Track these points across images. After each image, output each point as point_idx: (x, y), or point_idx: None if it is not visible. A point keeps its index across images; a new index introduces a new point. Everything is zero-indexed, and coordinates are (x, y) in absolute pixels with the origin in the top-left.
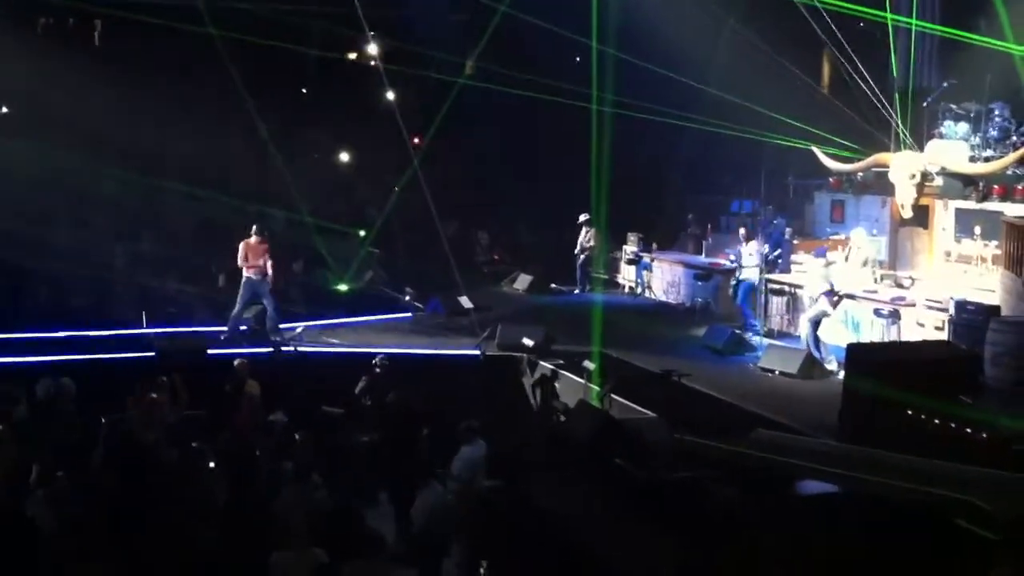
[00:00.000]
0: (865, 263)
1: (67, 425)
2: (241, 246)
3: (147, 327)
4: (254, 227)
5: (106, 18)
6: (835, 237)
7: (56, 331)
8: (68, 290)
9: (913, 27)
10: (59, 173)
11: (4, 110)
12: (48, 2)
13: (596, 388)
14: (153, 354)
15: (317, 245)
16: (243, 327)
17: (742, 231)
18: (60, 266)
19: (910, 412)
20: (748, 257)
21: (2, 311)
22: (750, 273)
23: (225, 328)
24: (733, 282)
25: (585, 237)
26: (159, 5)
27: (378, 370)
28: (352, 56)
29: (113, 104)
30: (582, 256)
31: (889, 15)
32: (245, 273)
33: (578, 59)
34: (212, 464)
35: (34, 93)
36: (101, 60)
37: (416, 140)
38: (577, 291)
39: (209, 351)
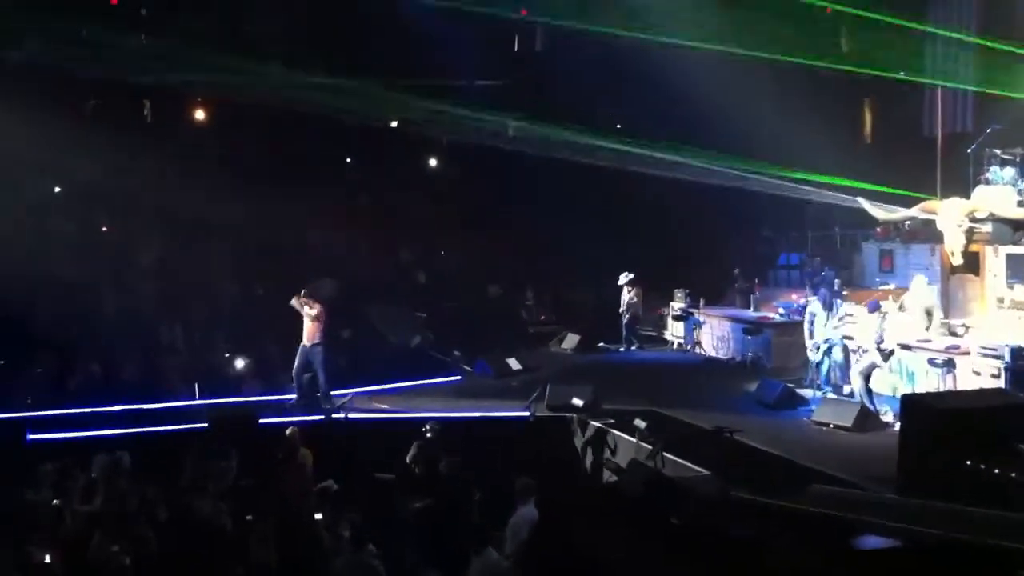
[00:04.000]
0: (930, 313)
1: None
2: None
3: (199, 398)
4: (302, 292)
5: (154, 95)
6: (885, 287)
7: (107, 405)
8: (119, 363)
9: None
10: (108, 248)
11: (56, 190)
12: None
13: (647, 447)
14: (206, 425)
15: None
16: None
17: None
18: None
19: (969, 462)
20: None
21: (55, 386)
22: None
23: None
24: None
25: (629, 295)
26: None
27: (429, 435)
28: (394, 124)
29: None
30: (627, 315)
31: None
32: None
33: (619, 126)
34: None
35: (86, 171)
36: (151, 135)
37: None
38: (622, 349)
39: (261, 420)
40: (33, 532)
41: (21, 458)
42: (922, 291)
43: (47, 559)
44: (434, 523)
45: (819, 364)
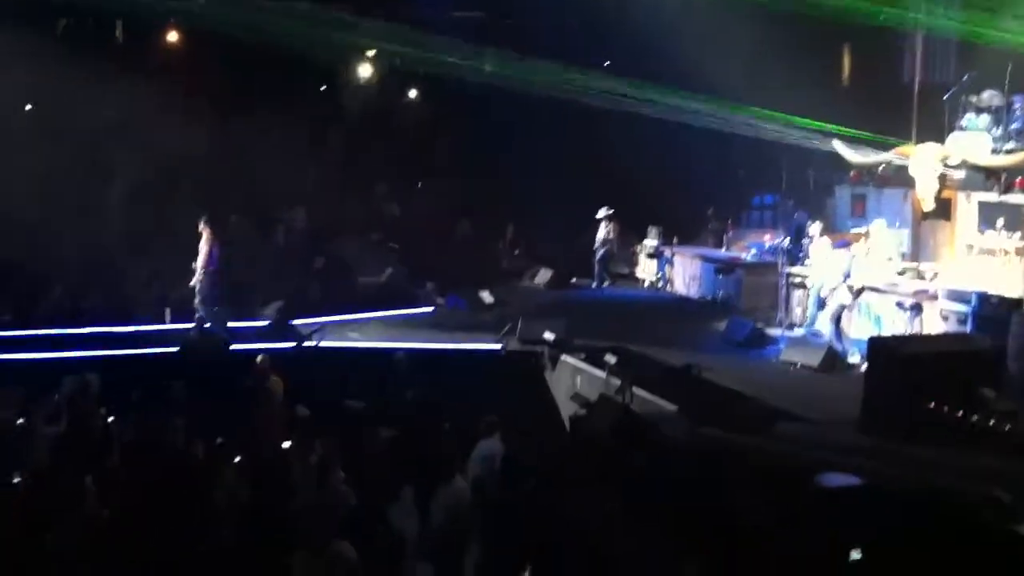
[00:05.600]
0: (891, 259)
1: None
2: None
3: (169, 323)
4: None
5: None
6: (856, 231)
7: (75, 328)
8: (84, 291)
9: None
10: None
11: (28, 107)
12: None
13: (617, 381)
14: (177, 349)
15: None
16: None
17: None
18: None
19: (932, 405)
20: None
21: (19, 309)
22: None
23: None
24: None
25: (605, 232)
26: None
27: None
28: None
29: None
30: (601, 251)
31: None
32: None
33: (607, 63)
34: (237, 459)
35: (54, 93)
36: (122, 61)
37: None
38: (594, 285)
39: (232, 346)
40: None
41: None
42: (882, 235)
43: (15, 479)
44: (404, 452)
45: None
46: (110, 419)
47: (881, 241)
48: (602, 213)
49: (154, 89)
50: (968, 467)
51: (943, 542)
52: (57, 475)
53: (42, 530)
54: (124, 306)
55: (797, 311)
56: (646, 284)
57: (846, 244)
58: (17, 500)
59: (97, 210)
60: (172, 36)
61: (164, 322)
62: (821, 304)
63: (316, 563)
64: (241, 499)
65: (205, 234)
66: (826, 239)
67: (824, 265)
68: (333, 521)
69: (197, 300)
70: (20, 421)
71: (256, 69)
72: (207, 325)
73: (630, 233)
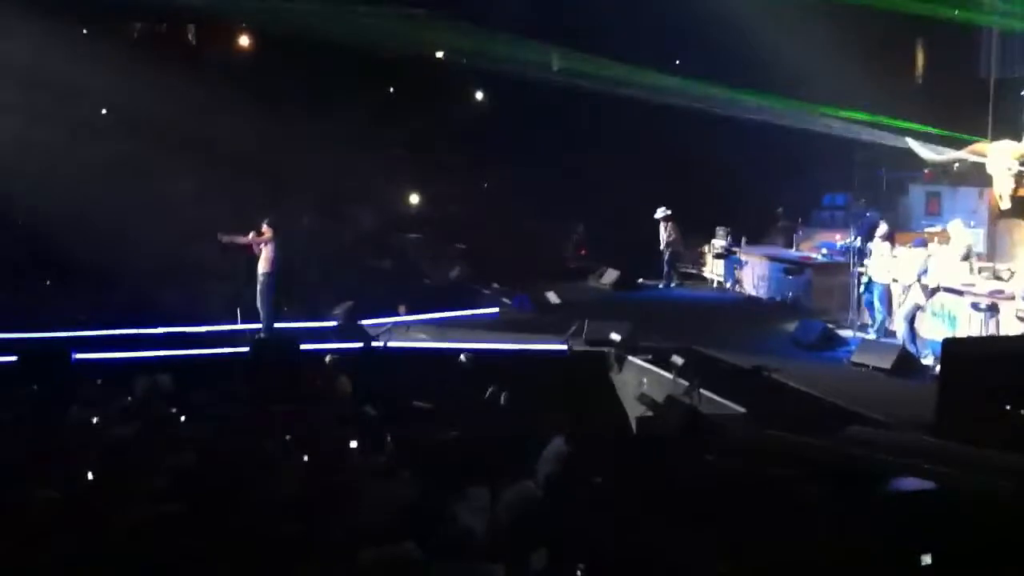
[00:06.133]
0: (967, 256)
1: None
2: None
3: (240, 323)
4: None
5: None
6: (931, 229)
7: (148, 328)
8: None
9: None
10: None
11: (104, 112)
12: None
13: (684, 383)
14: (247, 350)
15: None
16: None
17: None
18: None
19: (1008, 408)
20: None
21: (98, 308)
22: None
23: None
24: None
25: (666, 232)
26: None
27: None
28: (439, 54)
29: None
30: (668, 251)
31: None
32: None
33: (677, 61)
34: (305, 458)
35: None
36: (195, 61)
37: None
38: (662, 286)
39: (302, 346)
40: (74, 450)
41: (67, 376)
42: (960, 233)
43: (89, 476)
44: (472, 452)
45: (870, 303)
46: (182, 419)
47: (958, 240)
48: (660, 214)
49: (225, 88)
50: None
51: (1017, 549)
52: (128, 474)
53: (112, 528)
54: (197, 305)
55: (867, 312)
56: (714, 284)
57: (923, 243)
58: (88, 499)
59: (170, 208)
60: (242, 38)
61: (236, 322)
62: (885, 305)
63: (382, 562)
64: (308, 497)
65: (267, 235)
66: (882, 243)
67: (896, 265)
68: (399, 520)
69: (258, 302)
70: (95, 420)
71: (322, 67)
72: (275, 326)
73: (697, 234)
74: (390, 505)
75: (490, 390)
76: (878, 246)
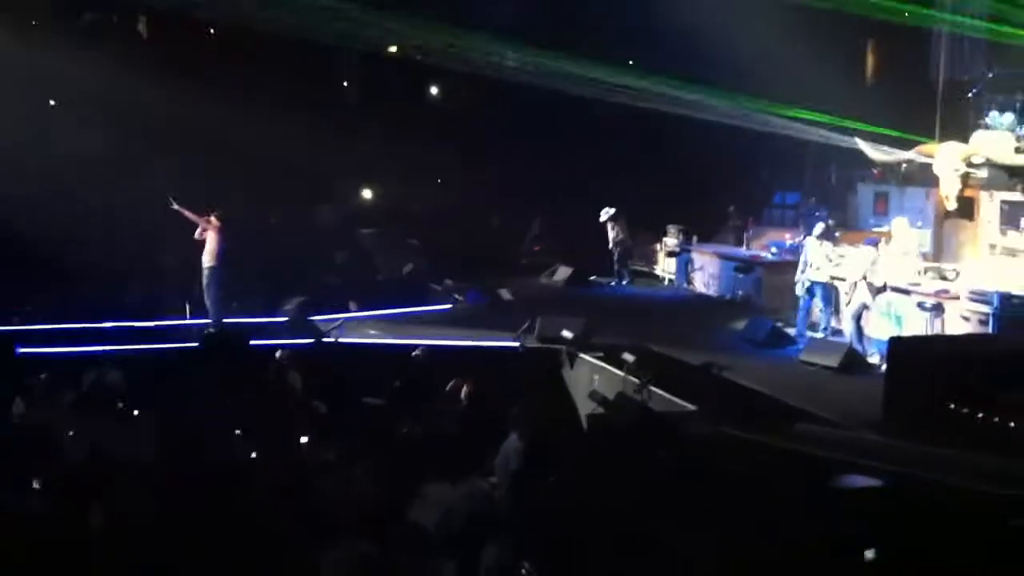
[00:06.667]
0: (907, 253)
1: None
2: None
3: (190, 318)
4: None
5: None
6: (879, 229)
7: (104, 322)
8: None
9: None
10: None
11: (51, 103)
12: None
13: (635, 380)
14: (198, 344)
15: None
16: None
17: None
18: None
19: (953, 406)
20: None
21: (46, 302)
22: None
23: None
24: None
25: (614, 231)
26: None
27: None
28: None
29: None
30: (617, 250)
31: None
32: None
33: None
34: (253, 454)
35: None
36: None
37: None
38: (614, 283)
39: (252, 341)
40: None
41: (11, 370)
42: (903, 232)
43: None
44: (426, 448)
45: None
46: (135, 412)
47: (902, 240)
48: (605, 216)
49: (188, 83)
50: (988, 469)
51: (961, 544)
52: (85, 470)
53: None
54: (155, 301)
55: (816, 312)
56: (666, 282)
57: (875, 242)
58: (50, 496)
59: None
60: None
61: (185, 317)
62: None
63: (337, 559)
64: (259, 494)
65: (214, 223)
66: (817, 242)
67: (841, 263)
68: (353, 517)
69: (205, 296)
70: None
71: (272, 61)
72: (224, 320)
73: (649, 232)
74: (344, 502)
75: (451, 384)
76: (812, 245)
